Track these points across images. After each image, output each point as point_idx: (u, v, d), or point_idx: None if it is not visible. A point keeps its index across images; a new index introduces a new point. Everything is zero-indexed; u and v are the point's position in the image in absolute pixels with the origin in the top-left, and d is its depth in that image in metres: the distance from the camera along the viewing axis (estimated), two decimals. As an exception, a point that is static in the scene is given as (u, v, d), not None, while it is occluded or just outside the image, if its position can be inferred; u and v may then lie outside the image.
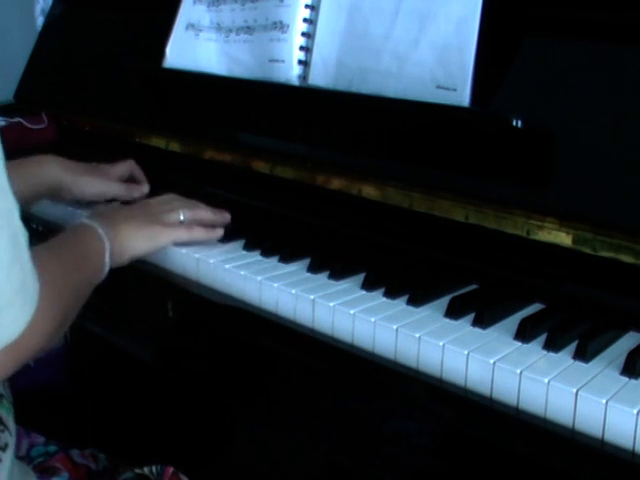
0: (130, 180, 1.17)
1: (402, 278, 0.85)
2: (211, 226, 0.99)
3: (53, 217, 1.15)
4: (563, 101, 0.84)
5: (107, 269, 0.86)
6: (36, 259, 0.68)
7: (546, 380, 0.66)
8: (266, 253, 0.95)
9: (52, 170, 1.07)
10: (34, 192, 1.06)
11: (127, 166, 1.16)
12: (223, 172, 1.18)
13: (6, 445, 0.75)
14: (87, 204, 1.12)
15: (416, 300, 0.81)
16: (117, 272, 0.88)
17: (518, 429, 0.66)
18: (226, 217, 1.02)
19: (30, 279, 0.66)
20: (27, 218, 0.72)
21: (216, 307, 0.90)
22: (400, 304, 0.81)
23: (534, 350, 0.72)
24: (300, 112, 1.06)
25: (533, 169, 0.83)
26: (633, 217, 0.76)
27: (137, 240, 0.91)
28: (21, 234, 0.65)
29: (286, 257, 0.92)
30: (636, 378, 0.67)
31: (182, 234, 0.96)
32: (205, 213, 1.00)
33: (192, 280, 0.94)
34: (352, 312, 0.79)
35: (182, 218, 0.97)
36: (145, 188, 1.15)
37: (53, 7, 1.65)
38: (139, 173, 1.18)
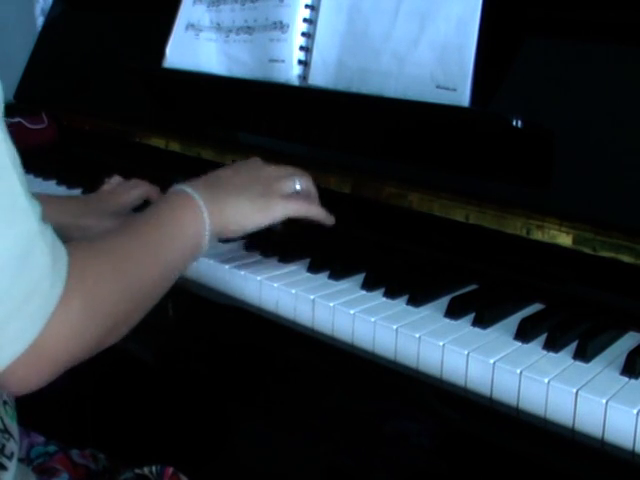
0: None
1: (402, 278, 0.85)
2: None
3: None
4: (563, 101, 0.84)
5: (205, 247, 0.77)
6: (80, 251, 0.61)
7: (546, 380, 0.66)
8: (266, 253, 0.94)
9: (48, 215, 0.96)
10: None
11: (140, 191, 1.05)
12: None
13: (12, 454, 0.74)
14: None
15: (416, 300, 0.81)
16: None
17: (518, 429, 0.66)
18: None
19: (47, 283, 0.58)
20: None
21: (216, 307, 0.90)
22: (400, 304, 0.81)
23: (534, 350, 0.72)
24: (300, 112, 1.06)
25: (533, 169, 0.83)
26: (633, 217, 0.76)
27: (248, 214, 0.81)
28: (33, 231, 0.58)
29: (286, 257, 0.92)
30: (636, 378, 0.67)
31: (301, 207, 0.85)
32: (314, 187, 0.90)
33: (192, 280, 0.94)
34: (352, 312, 0.78)
35: (298, 187, 0.87)
36: None
37: (53, 7, 1.65)
38: (156, 195, 1.06)
